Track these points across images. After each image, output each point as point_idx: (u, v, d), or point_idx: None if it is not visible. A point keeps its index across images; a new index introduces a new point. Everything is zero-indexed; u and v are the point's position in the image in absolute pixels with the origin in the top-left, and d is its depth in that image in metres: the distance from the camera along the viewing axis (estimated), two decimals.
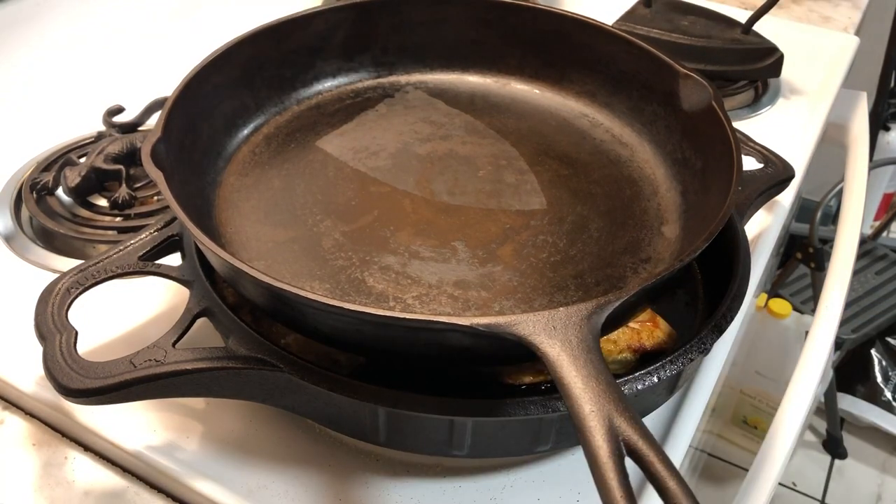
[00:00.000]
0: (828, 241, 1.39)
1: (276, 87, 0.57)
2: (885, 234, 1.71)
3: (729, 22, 0.83)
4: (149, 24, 0.87)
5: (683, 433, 0.47)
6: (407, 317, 0.35)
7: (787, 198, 0.66)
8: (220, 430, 0.45)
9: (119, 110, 0.68)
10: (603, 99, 0.59)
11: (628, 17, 0.85)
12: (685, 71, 0.52)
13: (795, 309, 1.44)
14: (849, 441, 1.60)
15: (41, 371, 0.39)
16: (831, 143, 0.87)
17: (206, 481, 0.42)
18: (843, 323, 1.14)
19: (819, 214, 1.36)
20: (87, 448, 0.46)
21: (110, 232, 0.58)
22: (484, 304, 0.44)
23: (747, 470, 0.56)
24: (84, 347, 0.44)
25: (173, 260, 0.47)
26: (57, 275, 0.44)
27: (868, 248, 1.63)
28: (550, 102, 0.60)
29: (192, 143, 0.50)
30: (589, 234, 0.49)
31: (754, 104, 0.81)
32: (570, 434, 0.41)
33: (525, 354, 0.34)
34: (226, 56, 0.52)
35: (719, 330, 0.42)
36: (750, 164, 0.58)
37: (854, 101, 0.89)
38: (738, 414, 1.49)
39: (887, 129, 1.72)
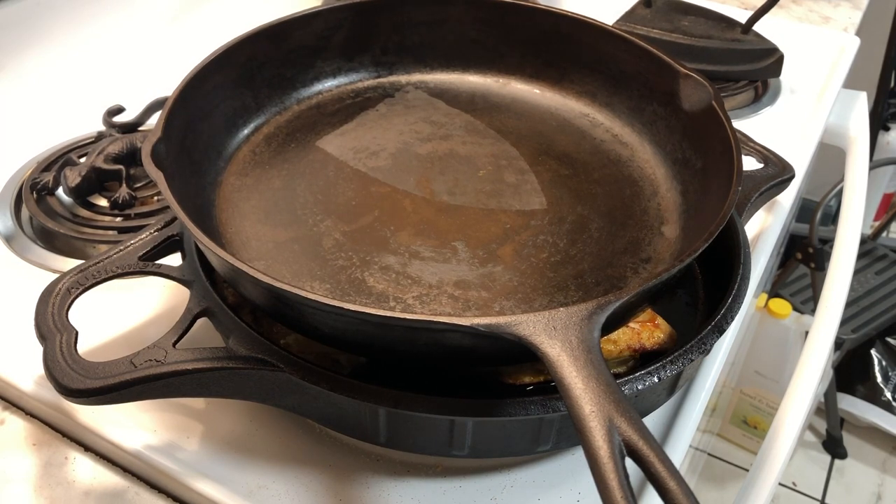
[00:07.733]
0: (828, 241, 1.39)
1: (277, 86, 0.57)
2: (885, 234, 1.71)
3: (729, 22, 0.83)
4: (149, 24, 0.86)
5: (683, 433, 0.47)
6: (407, 317, 0.35)
7: (787, 198, 0.66)
8: (220, 430, 0.45)
9: (119, 110, 0.68)
10: (603, 99, 0.59)
11: (628, 17, 0.85)
12: (685, 71, 0.52)
13: (795, 309, 1.44)
14: (849, 441, 1.60)
15: (41, 371, 0.39)
16: (831, 143, 0.87)
17: (206, 481, 0.42)
18: (843, 323, 1.14)
19: (819, 214, 1.36)
20: (87, 448, 0.46)
21: (110, 232, 0.58)
22: (484, 304, 0.44)
23: (747, 470, 0.56)
24: (84, 347, 0.44)
25: (173, 260, 0.47)
26: (57, 275, 0.44)
27: (868, 248, 1.63)
28: (551, 102, 0.60)
29: (192, 143, 0.50)
30: (589, 234, 0.49)
31: (754, 104, 0.81)
32: (570, 434, 0.41)
33: (525, 354, 0.34)
34: (226, 56, 0.52)
35: (720, 330, 0.42)
36: (750, 164, 0.58)
37: (854, 101, 0.89)
38: (738, 414, 1.49)
39: (887, 129, 1.73)
